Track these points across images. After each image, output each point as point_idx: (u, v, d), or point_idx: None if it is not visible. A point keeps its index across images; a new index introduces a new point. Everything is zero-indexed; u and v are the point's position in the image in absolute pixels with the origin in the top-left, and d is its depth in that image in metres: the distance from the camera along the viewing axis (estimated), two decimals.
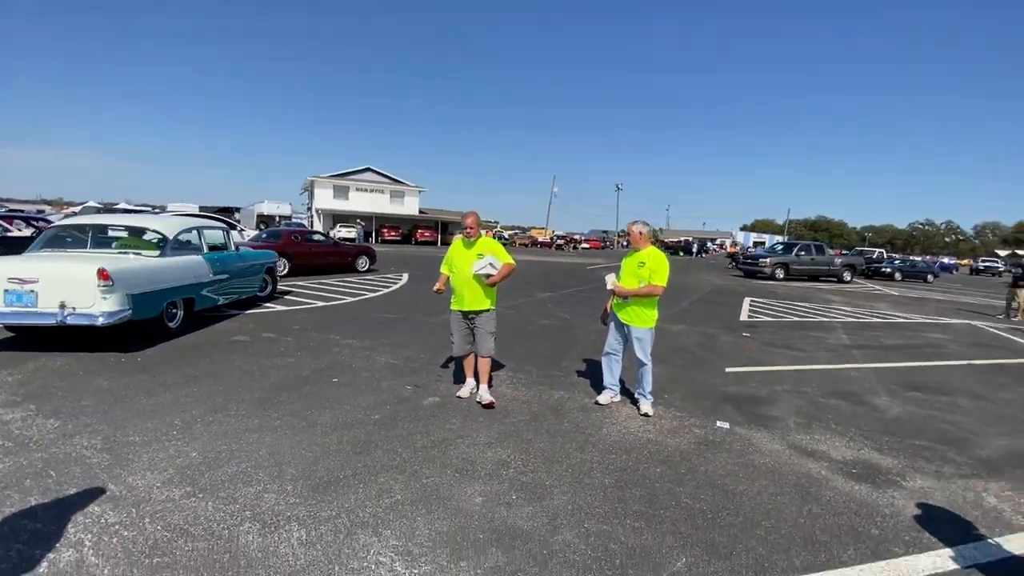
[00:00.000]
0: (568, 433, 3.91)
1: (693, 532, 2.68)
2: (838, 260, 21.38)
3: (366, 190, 43.91)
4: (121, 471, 3.00)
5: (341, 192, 43.23)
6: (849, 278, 20.85)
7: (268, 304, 8.69)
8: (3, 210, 24.33)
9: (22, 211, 25.75)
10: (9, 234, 9.92)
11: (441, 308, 9.26)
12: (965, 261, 67.33)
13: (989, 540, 2.76)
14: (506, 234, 60.10)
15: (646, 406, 4.44)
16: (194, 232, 7.19)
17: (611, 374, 4.67)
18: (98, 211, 19.72)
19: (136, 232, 6.76)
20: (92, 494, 2.74)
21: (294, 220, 40.75)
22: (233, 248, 8.05)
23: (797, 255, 20.74)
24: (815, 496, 3.14)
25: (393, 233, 40.70)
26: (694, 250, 52.03)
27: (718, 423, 4.28)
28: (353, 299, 10.03)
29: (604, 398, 4.63)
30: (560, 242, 54.39)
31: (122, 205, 26.08)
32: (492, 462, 3.36)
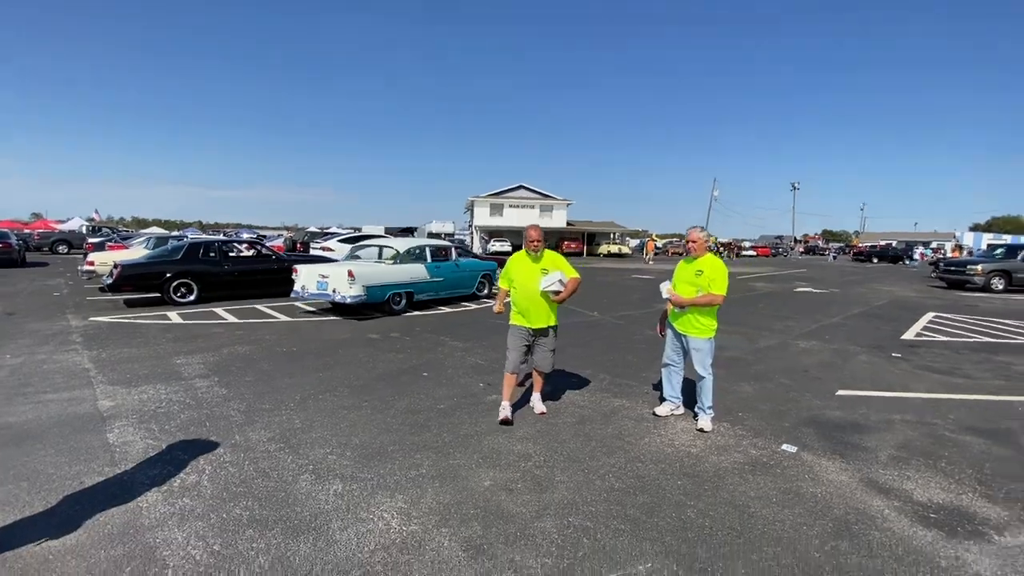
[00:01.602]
0: (605, 439, 4.00)
1: (678, 544, 2.65)
2: None
3: (518, 206, 46.62)
4: (247, 428, 4.06)
5: (496, 210, 46.61)
6: None
7: (414, 310, 10.05)
8: (254, 235, 31.97)
9: (262, 235, 33.30)
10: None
11: None
12: None
13: None
14: (660, 243, 57.75)
15: (704, 421, 4.26)
16: (421, 248, 10.59)
17: (671, 385, 4.56)
18: (311, 234, 24.65)
19: (387, 248, 10.51)
20: (224, 441, 3.80)
21: (456, 236, 45.34)
22: (453, 259, 11.09)
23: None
24: (856, 534, 2.78)
25: None
26: (915, 256, 40.60)
27: (784, 446, 3.92)
28: (478, 306, 11.02)
29: (663, 410, 4.55)
30: (720, 249, 50.22)
31: (333, 228, 32.33)
32: (517, 454, 3.67)
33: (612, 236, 49.74)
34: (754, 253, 53.95)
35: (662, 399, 4.66)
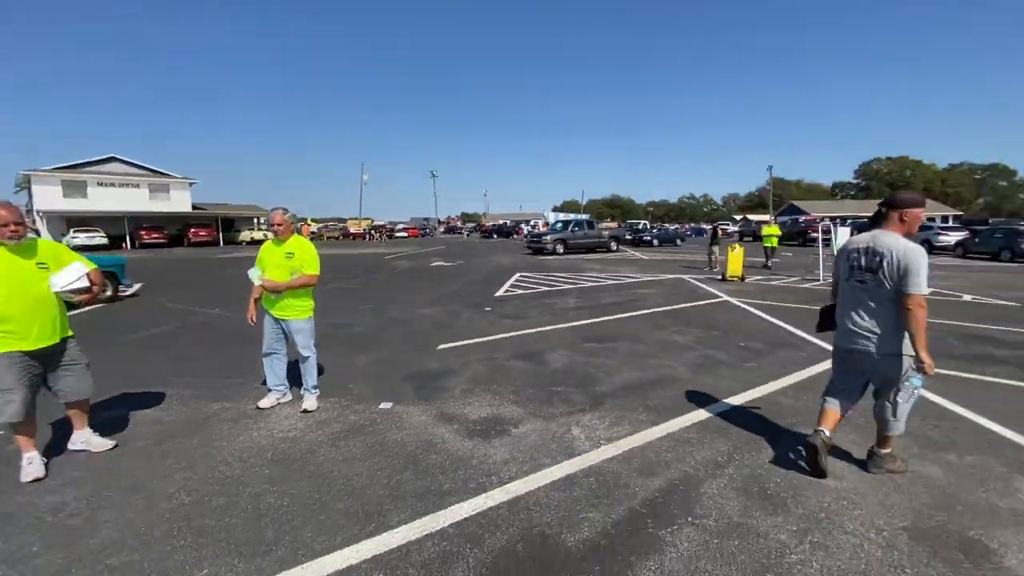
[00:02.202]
0: (186, 452, 3.50)
1: (248, 535, 2.53)
2: (605, 233, 24.61)
3: (113, 184, 36.19)
4: None
5: (76, 189, 34.85)
6: (615, 247, 24.14)
7: None
8: None
9: None
10: None
11: (133, 326, 7.73)
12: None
13: (542, 471, 3.17)
14: (315, 227, 55.93)
15: (309, 401, 4.26)
16: None
17: (274, 374, 4.37)
18: None
19: None
20: None
21: None
22: None
23: (572, 231, 23.28)
24: (418, 462, 3.28)
25: (155, 235, 34.04)
26: (520, 232, 51.49)
27: (382, 405, 4.31)
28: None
29: (267, 402, 4.32)
30: (372, 232, 52.50)
31: None
32: (41, 509, 2.79)
33: (257, 221, 45.02)
34: (406, 234, 58.63)
35: (270, 391, 4.42)
